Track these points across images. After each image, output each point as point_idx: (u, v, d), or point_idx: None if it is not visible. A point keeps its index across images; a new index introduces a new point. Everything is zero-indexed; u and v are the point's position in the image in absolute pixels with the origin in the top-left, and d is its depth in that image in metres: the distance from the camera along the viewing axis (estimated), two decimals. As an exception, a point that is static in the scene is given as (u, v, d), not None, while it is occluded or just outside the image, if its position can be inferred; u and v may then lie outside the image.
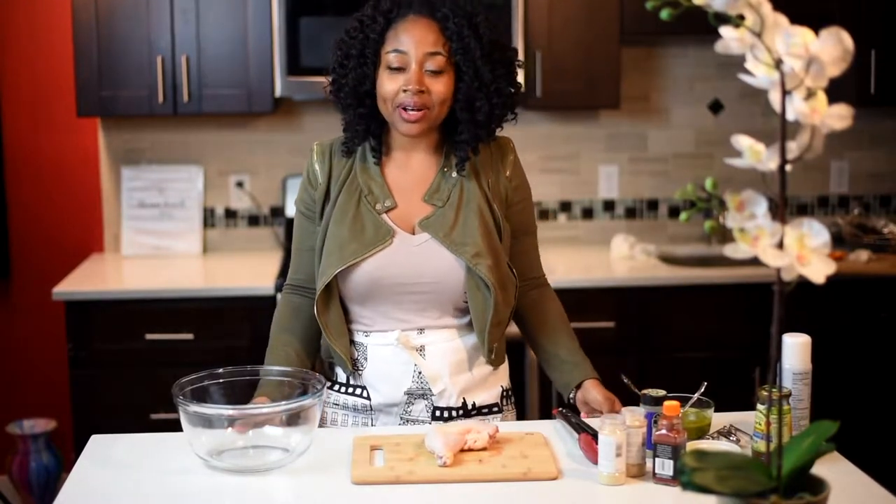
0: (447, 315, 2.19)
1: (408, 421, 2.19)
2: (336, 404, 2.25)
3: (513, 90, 2.20)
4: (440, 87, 2.12)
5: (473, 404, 2.21)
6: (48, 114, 4.19)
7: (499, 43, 2.17)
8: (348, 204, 2.18)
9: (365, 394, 2.21)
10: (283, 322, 2.28)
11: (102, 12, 3.84)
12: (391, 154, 2.23)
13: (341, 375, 2.24)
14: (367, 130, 2.20)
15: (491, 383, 2.24)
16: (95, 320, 3.69)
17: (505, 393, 2.28)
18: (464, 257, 2.13)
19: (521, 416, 3.59)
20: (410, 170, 2.22)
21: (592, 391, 2.16)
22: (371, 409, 2.21)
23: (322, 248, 2.19)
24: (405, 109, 2.11)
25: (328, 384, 2.27)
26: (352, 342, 2.21)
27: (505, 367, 2.29)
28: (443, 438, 1.93)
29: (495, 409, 2.24)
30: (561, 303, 2.34)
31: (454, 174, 2.20)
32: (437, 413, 2.18)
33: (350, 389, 2.23)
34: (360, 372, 2.21)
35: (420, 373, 2.17)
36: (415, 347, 2.17)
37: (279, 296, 2.31)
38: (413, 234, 2.17)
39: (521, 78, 2.25)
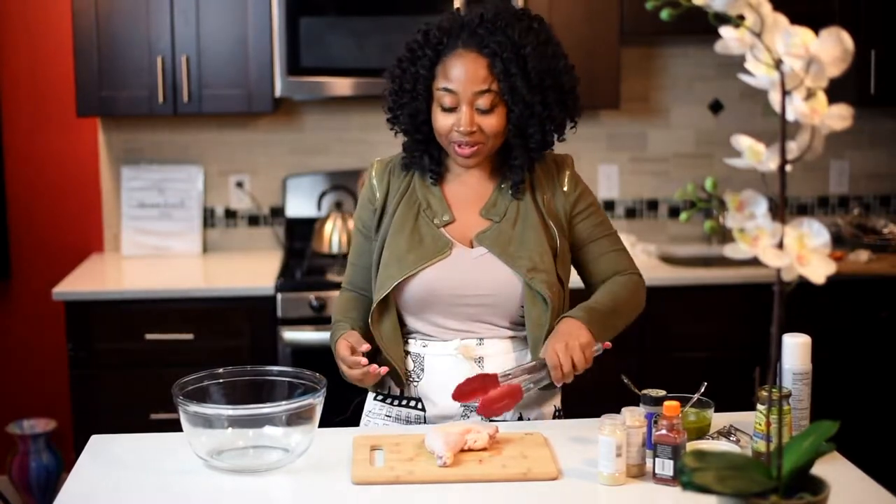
0: (503, 328, 2.18)
1: None
2: (388, 416, 2.24)
3: (567, 112, 2.19)
4: (492, 122, 2.13)
5: (528, 420, 2.21)
6: (48, 114, 4.19)
7: (551, 69, 2.14)
8: (407, 217, 2.20)
9: (420, 406, 2.21)
10: (342, 308, 2.29)
11: (102, 12, 3.84)
12: (450, 171, 2.25)
13: (392, 388, 2.24)
14: (426, 152, 2.23)
15: (546, 401, 2.24)
16: (95, 320, 3.69)
17: (557, 413, 2.27)
18: (520, 271, 2.13)
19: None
20: (468, 186, 2.24)
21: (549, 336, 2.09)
22: (425, 422, 2.20)
23: (379, 259, 2.20)
24: (459, 145, 2.14)
25: (377, 395, 2.27)
26: (408, 353, 2.21)
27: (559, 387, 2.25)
28: (443, 438, 1.93)
29: None
30: (632, 284, 2.26)
31: (511, 193, 2.21)
32: None
33: (404, 402, 2.23)
34: (414, 383, 2.20)
35: None
36: (474, 358, 2.17)
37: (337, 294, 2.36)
38: (471, 247, 2.18)
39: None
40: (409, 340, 2.21)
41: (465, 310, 2.16)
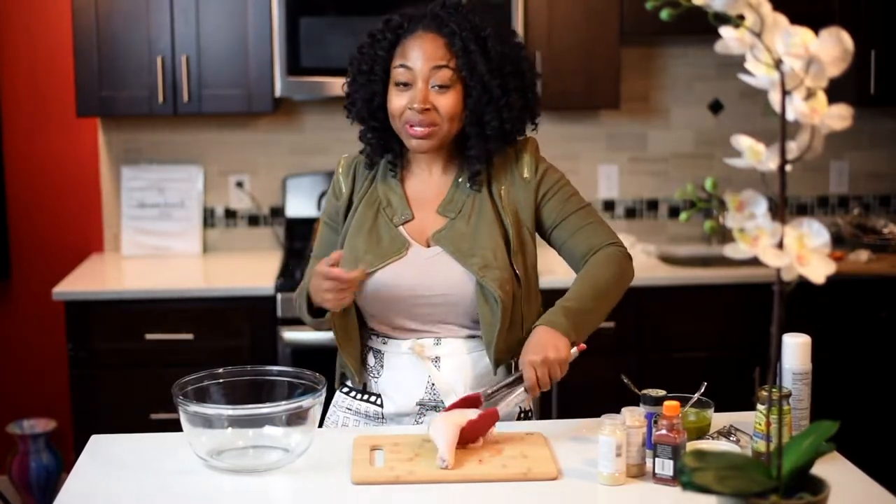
0: (462, 327, 2.17)
1: None
2: (349, 409, 2.24)
3: (526, 103, 2.17)
4: (447, 102, 2.11)
5: None
6: (48, 114, 4.19)
7: (511, 56, 2.14)
8: (366, 215, 2.19)
9: (378, 401, 2.21)
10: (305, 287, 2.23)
11: (102, 12, 3.84)
12: (410, 166, 2.24)
13: (356, 382, 2.24)
14: (383, 145, 2.21)
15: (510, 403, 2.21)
16: (95, 320, 3.69)
17: (524, 415, 2.24)
18: (472, 269, 2.12)
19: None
20: (429, 182, 2.23)
21: (525, 345, 2.05)
22: (382, 417, 2.20)
23: None
24: (412, 126, 2.12)
25: (343, 389, 2.27)
26: (370, 349, 2.21)
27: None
28: (446, 438, 1.92)
29: None
30: (612, 259, 2.15)
31: (469, 185, 2.20)
32: None
33: (364, 396, 2.23)
34: (375, 379, 2.20)
35: (433, 385, 2.16)
36: (429, 358, 2.16)
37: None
38: (427, 247, 2.17)
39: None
40: (371, 336, 2.21)
41: (422, 309, 2.15)
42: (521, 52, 2.18)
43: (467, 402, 2.03)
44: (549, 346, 2.00)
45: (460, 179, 2.20)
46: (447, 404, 2.13)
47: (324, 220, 2.30)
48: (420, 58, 2.11)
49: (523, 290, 2.15)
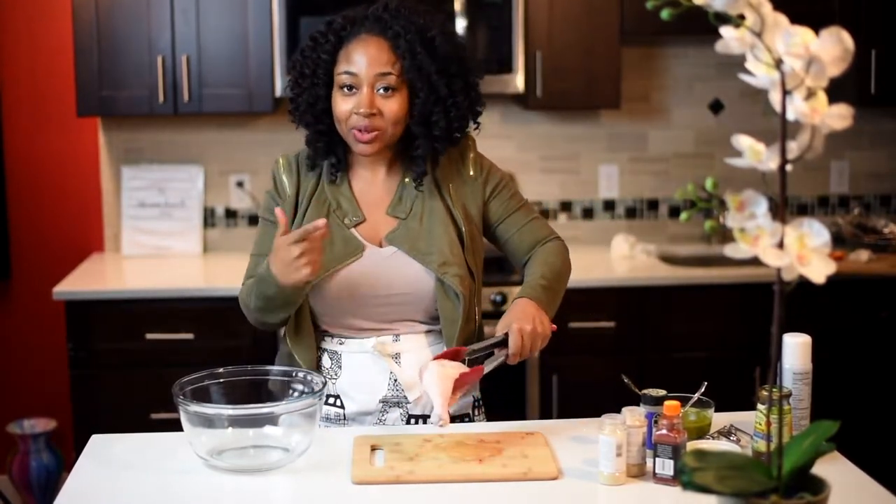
0: (420, 323, 2.19)
1: None
2: None
3: (471, 103, 2.18)
4: (393, 107, 2.11)
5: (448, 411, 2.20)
6: (48, 114, 4.19)
7: (457, 56, 2.15)
8: (317, 217, 2.16)
9: (339, 402, 2.20)
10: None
11: (102, 12, 3.84)
12: (355, 168, 2.24)
13: None
14: (327, 148, 2.21)
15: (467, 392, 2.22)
16: (95, 320, 3.69)
17: (476, 403, 2.28)
18: (431, 267, 2.13)
19: (520, 416, 3.59)
20: (375, 183, 2.23)
21: (509, 312, 2.09)
22: (345, 418, 2.20)
23: None
24: (359, 131, 2.12)
25: None
26: (324, 350, 2.20)
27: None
28: (441, 395, 1.93)
29: (466, 419, 2.25)
30: (560, 250, 2.26)
31: (415, 186, 2.20)
32: (413, 421, 2.18)
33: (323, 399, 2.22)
34: (333, 381, 2.19)
35: (396, 380, 2.17)
36: (390, 354, 2.17)
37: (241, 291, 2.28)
38: (381, 247, 2.18)
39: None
40: (325, 338, 2.20)
41: (381, 309, 2.16)
42: (465, 51, 2.19)
43: (450, 355, 2.03)
44: (535, 319, 2.05)
45: (407, 180, 2.22)
46: (411, 399, 2.15)
47: (266, 218, 2.27)
48: (365, 62, 2.10)
49: (476, 286, 2.20)
